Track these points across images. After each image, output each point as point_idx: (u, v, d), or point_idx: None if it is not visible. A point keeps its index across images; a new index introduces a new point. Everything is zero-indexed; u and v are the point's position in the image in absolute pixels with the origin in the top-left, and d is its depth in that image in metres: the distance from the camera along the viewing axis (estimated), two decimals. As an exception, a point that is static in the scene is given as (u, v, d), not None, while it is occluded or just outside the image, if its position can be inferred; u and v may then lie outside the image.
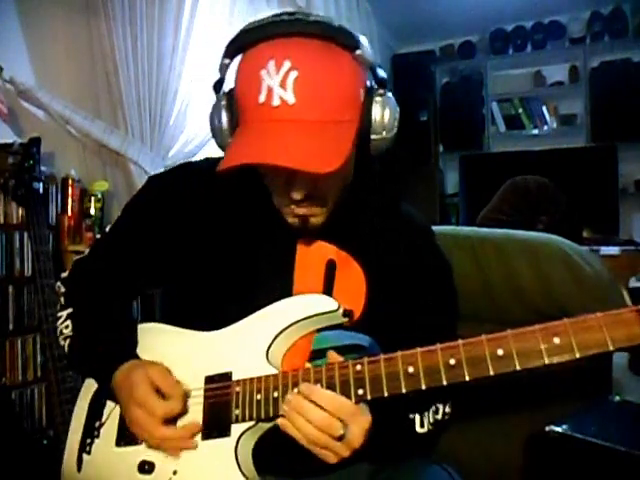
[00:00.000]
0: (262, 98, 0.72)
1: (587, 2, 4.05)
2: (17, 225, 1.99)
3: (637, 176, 3.97)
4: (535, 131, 4.37)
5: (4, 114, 1.99)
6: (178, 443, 0.82)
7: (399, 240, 0.92)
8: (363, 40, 0.77)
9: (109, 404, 0.91)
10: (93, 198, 2.27)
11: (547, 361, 0.67)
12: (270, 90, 0.72)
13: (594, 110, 4.07)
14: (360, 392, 0.74)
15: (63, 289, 0.99)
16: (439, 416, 0.87)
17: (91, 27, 2.31)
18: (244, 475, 0.79)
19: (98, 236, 1.03)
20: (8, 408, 1.84)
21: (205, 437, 0.82)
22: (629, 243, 3.52)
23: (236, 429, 0.81)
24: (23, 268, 2.00)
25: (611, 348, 0.65)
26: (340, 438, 0.72)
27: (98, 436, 0.91)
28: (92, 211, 2.26)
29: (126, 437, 0.87)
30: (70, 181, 2.20)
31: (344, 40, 0.75)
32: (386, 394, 0.73)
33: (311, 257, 0.88)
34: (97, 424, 0.92)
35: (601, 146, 3.95)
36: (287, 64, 0.71)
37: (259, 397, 0.79)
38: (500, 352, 0.69)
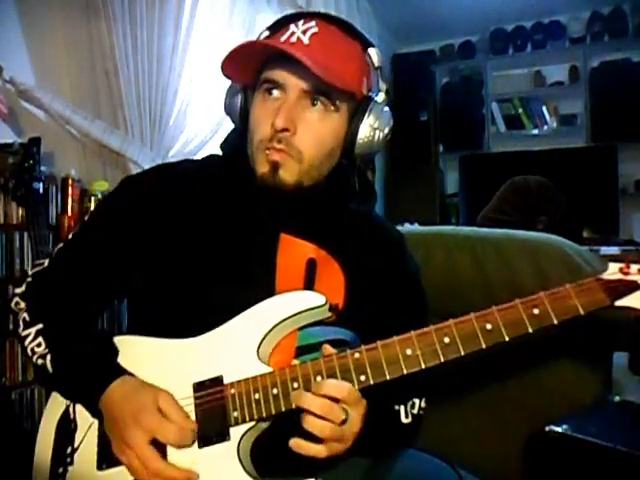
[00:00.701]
0: (284, 37, 0.86)
1: (587, 2, 4.05)
2: (17, 225, 1.98)
3: (637, 176, 3.97)
4: (535, 131, 4.37)
5: (4, 114, 1.99)
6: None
7: (375, 244, 0.96)
8: (374, 48, 0.90)
9: (81, 427, 0.86)
10: (93, 198, 2.27)
11: (530, 329, 0.75)
12: (292, 34, 0.86)
13: (594, 110, 4.07)
14: (362, 378, 0.76)
15: (23, 304, 0.92)
16: (415, 410, 0.90)
17: (91, 27, 2.30)
18: (251, 476, 0.78)
19: (60, 245, 0.96)
20: (8, 408, 1.84)
21: (203, 445, 0.80)
22: (629, 243, 3.52)
23: (236, 431, 0.80)
24: (23, 268, 2.00)
25: (582, 312, 0.75)
26: (342, 423, 0.75)
27: (72, 463, 0.84)
28: (92, 211, 2.26)
29: (110, 458, 0.81)
30: (70, 181, 2.19)
31: (359, 35, 0.91)
32: (388, 377, 0.76)
33: (292, 255, 0.89)
34: (69, 450, 0.85)
35: (601, 146, 3.95)
36: (313, 22, 0.87)
37: (257, 396, 0.79)
38: (489, 326, 0.75)
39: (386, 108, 0.91)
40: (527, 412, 1.15)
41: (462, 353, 0.75)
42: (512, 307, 0.76)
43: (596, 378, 1.16)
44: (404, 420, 0.88)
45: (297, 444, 0.75)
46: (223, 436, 0.80)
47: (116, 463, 0.81)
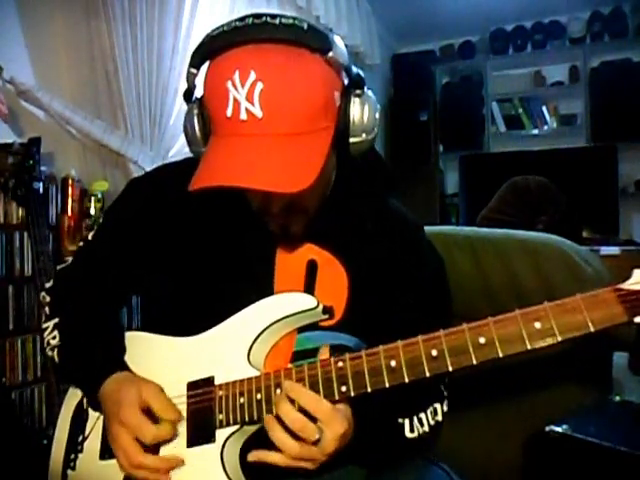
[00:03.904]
0: (229, 112, 0.70)
1: (587, 2, 4.05)
2: (17, 225, 1.98)
3: (637, 176, 3.97)
4: (535, 131, 4.38)
5: (4, 114, 1.98)
6: (153, 474, 0.79)
7: (384, 240, 0.91)
8: (337, 40, 0.74)
9: (91, 417, 0.90)
10: (93, 198, 2.27)
11: (529, 346, 0.67)
12: (237, 103, 0.69)
13: (594, 110, 4.07)
14: (343, 389, 0.73)
15: (48, 299, 0.97)
16: (439, 417, 0.86)
17: (91, 27, 2.30)
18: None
19: (81, 244, 1.01)
20: (8, 408, 1.84)
21: (190, 444, 0.81)
22: (629, 243, 3.52)
23: (221, 434, 0.80)
24: (23, 268, 1.99)
25: (592, 329, 0.65)
26: (315, 443, 0.72)
27: (82, 451, 0.89)
28: (92, 211, 2.26)
29: (110, 450, 0.84)
30: (70, 181, 2.19)
31: (315, 43, 0.72)
32: (369, 389, 0.72)
33: (292, 257, 0.88)
34: (80, 439, 0.90)
35: (601, 146, 3.95)
36: (252, 75, 0.68)
37: (242, 400, 0.78)
38: (482, 340, 0.68)
39: (369, 92, 0.79)
40: (527, 412, 1.15)
41: (450, 369, 0.69)
42: (510, 319, 0.68)
43: (596, 378, 1.16)
44: (408, 435, 0.83)
45: (256, 456, 0.74)
46: (208, 438, 0.80)
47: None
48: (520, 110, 4.39)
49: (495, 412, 1.20)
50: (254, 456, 0.74)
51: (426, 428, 0.84)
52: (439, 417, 0.86)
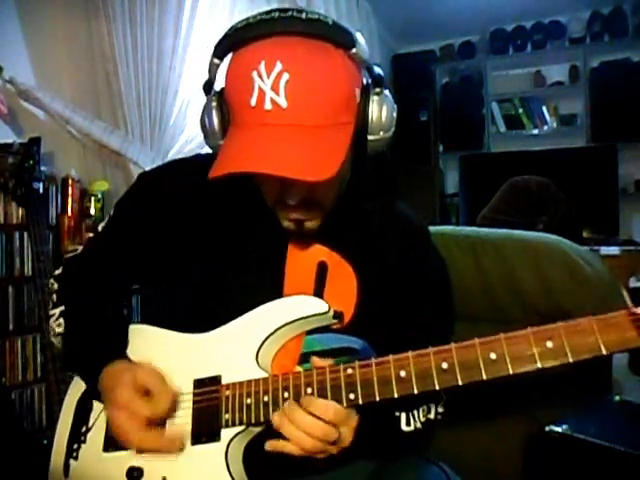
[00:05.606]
0: (254, 101, 0.70)
1: (587, 2, 4.05)
2: (17, 225, 1.99)
3: (637, 176, 3.97)
4: (535, 131, 4.37)
5: (4, 114, 1.99)
6: (161, 446, 0.79)
7: (392, 242, 0.91)
8: (359, 37, 0.74)
9: (95, 408, 0.89)
10: (93, 198, 2.27)
11: (540, 365, 0.67)
12: (262, 93, 0.69)
13: (594, 110, 4.07)
14: (352, 397, 0.73)
15: (56, 286, 0.98)
16: (431, 415, 0.86)
17: (91, 27, 2.31)
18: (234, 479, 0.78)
19: (91, 234, 1.02)
20: (8, 408, 1.84)
21: (194, 442, 0.81)
22: (629, 243, 3.52)
23: (226, 434, 0.80)
24: (23, 268, 2.00)
25: (604, 352, 0.64)
26: (334, 442, 0.73)
27: (85, 441, 0.89)
28: (92, 211, 2.27)
29: (114, 442, 0.84)
30: (70, 181, 2.20)
31: (339, 38, 0.72)
32: (378, 399, 0.72)
33: (302, 258, 0.87)
34: (84, 429, 0.89)
35: (601, 146, 3.95)
36: (279, 66, 0.69)
37: (249, 401, 0.78)
38: (493, 356, 0.68)
39: (387, 92, 0.79)
40: (527, 412, 1.15)
41: (460, 383, 0.69)
42: (522, 337, 0.68)
43: (596, 378, 1.16)
44: (404, 428, 0.83)
45: (273, 446, 0.74)
46: (213, 436, 0.80)
47: (120, 447, 0.83)
48: (520, 110, 4.39)
49: (495, 412, 1.20)
50: (271, 445, 0.74)
51: (418, 424, 0.85)
52: (431, 415, 0.86)
